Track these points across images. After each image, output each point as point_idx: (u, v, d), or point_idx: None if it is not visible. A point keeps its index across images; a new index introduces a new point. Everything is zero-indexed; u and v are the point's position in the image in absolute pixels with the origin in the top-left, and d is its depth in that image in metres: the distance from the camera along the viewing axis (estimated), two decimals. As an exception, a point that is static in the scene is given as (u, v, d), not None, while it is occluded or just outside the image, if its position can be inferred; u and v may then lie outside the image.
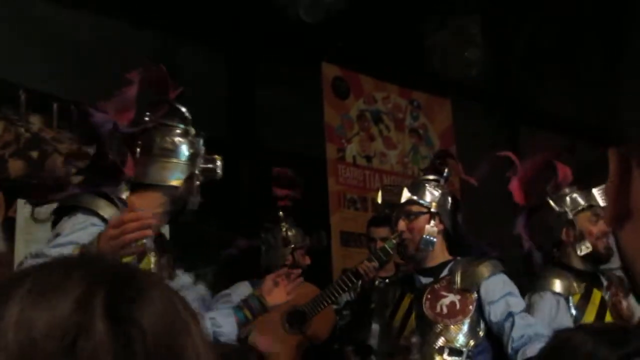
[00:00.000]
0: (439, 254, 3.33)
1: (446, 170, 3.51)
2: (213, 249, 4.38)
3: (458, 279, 3.21)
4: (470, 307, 3.17)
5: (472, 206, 6.50)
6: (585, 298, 3.43)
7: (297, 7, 5.42)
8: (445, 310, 3.18)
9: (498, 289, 3.20)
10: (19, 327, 0.73)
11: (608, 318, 3.36)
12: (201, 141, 2.73)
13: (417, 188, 3.34)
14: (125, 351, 0.73)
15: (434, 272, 3.30)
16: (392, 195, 3.34)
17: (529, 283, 3.55)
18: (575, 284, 3.44)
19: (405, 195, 3.30)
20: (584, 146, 4.80)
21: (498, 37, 7.00)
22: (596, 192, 3.55)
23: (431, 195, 3.32)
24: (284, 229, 4.13)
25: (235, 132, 5.55)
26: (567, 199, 3.56)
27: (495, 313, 3.15)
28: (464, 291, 3.20)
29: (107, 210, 2.49)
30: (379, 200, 3.41)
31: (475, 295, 3.19)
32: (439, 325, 3.17)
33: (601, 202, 3.51)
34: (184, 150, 2.65)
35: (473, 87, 6.91)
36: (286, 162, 5.21)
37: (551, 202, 3.57)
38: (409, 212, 3.29)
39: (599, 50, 7.71)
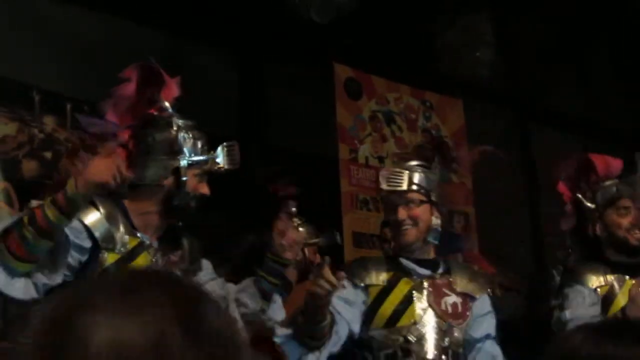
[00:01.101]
0: (431, 249, 3.14)
1: (434, 157, 3.28)
2: (225, 247, 4.39)
3: (458, 282, 3.08)
4: (468, 313, 3.06)
5: (484, 203, 6.50)
6: (613, 288, 3.39)
7: (308, 8, 5.43)
8: (450, 309, 3.02)
9: (486, 306, 3.14)
10: (108, 332, 0.80)
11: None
12: (189, 134, 2.64)
13: (415, 174, 3.11)
14: (198, 352, 0.81)
15: (431, 265, 3.11)
16: (394, 181, 3.09)
17: (563, 277, 3.53)
18: (608, 277, 3.42)
19: (407, 181, 3.08)
20: (595, 145, 4.78)
21: (509, 37, 6.99)
22: (623, 184, 3.53)
23: (429, 182, 3.12)
24: (295, 225, 4.13)
25: (246, 133, 5.56)
26: (599, 193, 3.55)
27: (476, 328, 3.07)
28: (463, 295, 3.07)
29: (87, 214, 2.48)
30: (385, 186, 3.11)
31: (469, 300, 3.08)
32: (445, 323, 3.00)
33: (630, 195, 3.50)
34: (163, 146, 2.59)
35: (484, 86, 6.91)
36: (298, 162, 5.24)
37: (582, 199, 3.56)
38: (410, 199, 3.05)
39: (610, 48, 7.69)
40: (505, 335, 3.20)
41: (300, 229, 4.14)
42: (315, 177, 5.36)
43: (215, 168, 2.70)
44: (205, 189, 2.66)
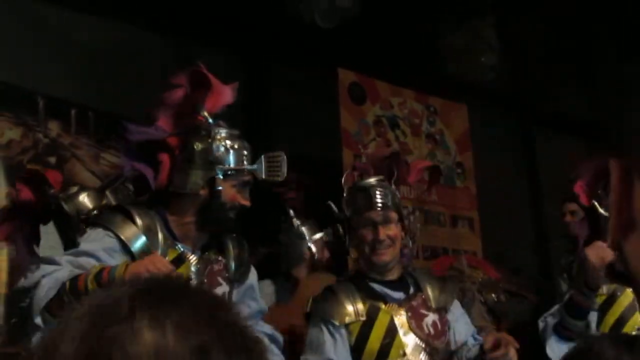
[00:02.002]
0: (398, 264, 3.11)
1: (394, 172, 3.19)
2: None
3: (432, 298, 3.03)
4: (446, 327, 3.03)
5: (488, 208, 6.49)
6: (611, 299, 3.39)
7: (313, 12, 5.43)
8: (432, 330, 2.97)
9: (458, 310, 3.16)
10: (151, 338, 0.80)
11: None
12: (231, 144, 2.65)
13: (387, 192, 3.05)
14: (232, 348, 0.82)
15: (402, 285, 3.06)
16: (371, 200, 3.03)
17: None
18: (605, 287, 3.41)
19: (389, 201, 3.03)
20: (600, 149, 4.77)
21: (513, 41, 6.99)
22: None
23: (397, 200, 3.09)
24: (296, 225, 4.11)
25: (251, 138, 5.55)
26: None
27: (460, 332, 3.06)
28: (439, 310, 3.03)
29: (124, 227, 2.51)
30: (360, 204, 3.05)
31: (444, 313, 3.06)
32: (429, 347, 2.95)
33: None
34: (202, 155, 2.59)
35: (489, 91, 6.91)
36: (302, 167, 5.23)
37: (597, 206, 3.53)
38: (387, 218, 3.02)
39: (615, 52, 7.68)
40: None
41: (302, 227, 4.14)
42: (319, 182, 5.36)
43: (258, 178, 2.71)
44: (244, 200, 2.64)
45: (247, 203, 2.64)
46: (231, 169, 2.63)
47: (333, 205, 3.28)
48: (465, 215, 6.44)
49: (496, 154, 6.90)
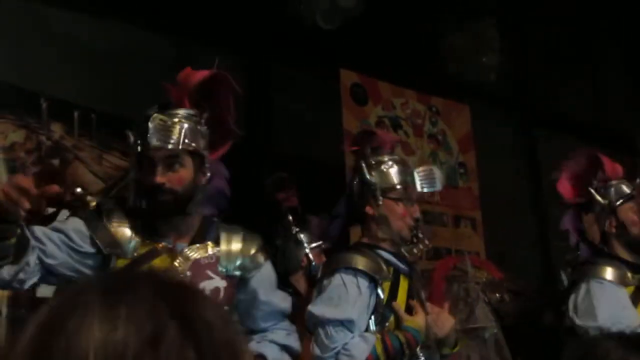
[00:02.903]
0: None
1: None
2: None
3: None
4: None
5: (491, 210, 6.49)
6: (639, 291, 3.33)
7: (314, 13, 5.44)
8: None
9: None
10: (100, 333, 0.79)
11: None
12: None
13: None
14: (198, 348, 0.80)
15: (404, 261, 3.13)
16: (427, 181, 3.23)
17: (575, 272, 3.48)
18: (629, 275, 3.36)
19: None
20: (603, 151, 4.77)
21: (516, 41, 7.00)
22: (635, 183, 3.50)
23: None
24: (294, 231, 4.12)
25: (253, 139, 5.57)
26: (612, 190, 3.50)
27: None
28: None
29: (97, 226, 2.57)
30: (420, 188, 3.21)
31: None
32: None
33: None
34: None
35: (491, 92, 6.91)
36: (304, 168, 5.23)
37: (594, 194, 3.50)
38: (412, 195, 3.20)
39: (618, 53, 7.68)
40: (514, 340, 3.18)
41: (300, 234, 4.15)
42: (321, 183, 5.35)
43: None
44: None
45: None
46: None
47: None
48: (468, 216, 6.44)
49: (498, 154, 6.89)
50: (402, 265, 3.07)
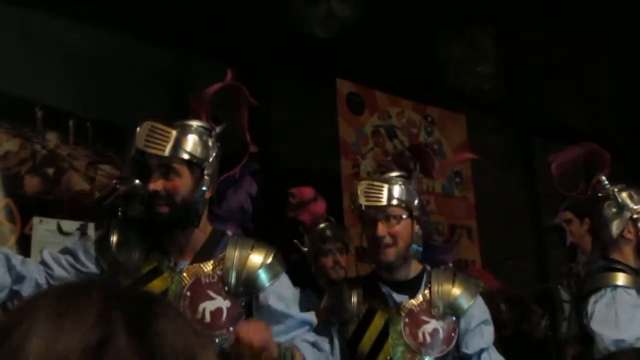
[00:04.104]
0: (414, 265, 2.96)
1: (415, 165, 3.09)
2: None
3: (440, 303, 2.88)
4: (453, 334, 2.88)
5: (487, 217, 6.49)
6: None
7: (311, 22, 5.44)
8: (428, 339, 2.85)
9: (476, 316, 2.93)
10: (43, 341, 0.76)
11: None
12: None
13: (395, 187, 2.90)
14: (145, 357, 0.76)
15: (410, 288, 2.94)
16: (373, 196, 2.87)
17: (588, 280, 3.40)
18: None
19: (387, 195, 2.87)
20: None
21: (512, 51, 7.00)
22: None
23: (409, 195, 2.92)
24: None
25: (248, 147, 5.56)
26: (631, 193, 3.43)
27: (467, 344, 2.89)
28: (445, 315, 2.88)
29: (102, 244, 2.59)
30: (364, 202, 2.86)
31: (454, 320, 2.89)
32: (421, 356, 2.83)
33: None
34: None
35: (487, 101, 6.91)
36: (300, 177, 5.22)
37: (617, 196, 3.40)
38: (390, 214, 2.86)
39: (613, 62, 7.70)
40: (510, 350, 3.13)
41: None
42: (317, 192, 5.34)
43: None
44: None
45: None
46: None
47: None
48: (464, 225, 6.44)
49: (494, 164, 6.90)
50: (397, 297, 2.98)
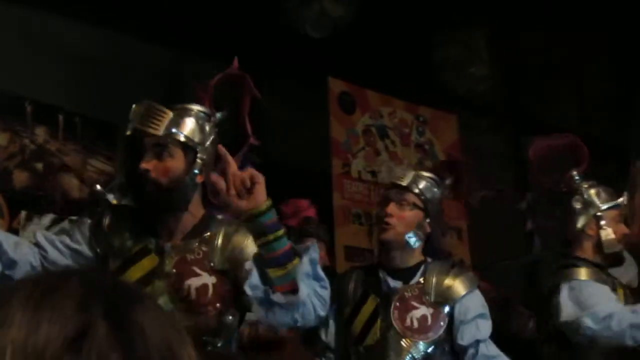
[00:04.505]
0: (414, 255, 3.05)
1: (449, 179, 3.22)
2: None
3: (432, 291, 2.96)
4: (442, 323, 2.94)
5: (477, 221, 6.49)
6: (613, 291, 3.28)
7: (304, 22, 5.43)
8: (415, 324, 2.93)
9: (472, 309, 2.98)
10: (21, 331, 0.74)
11: None
12: None
13: (421, 180, 3.06)
14: (126, 351, 0.75)
15: (406, 275, 3.03)
16: (397, 175, 3.08)
17: (551, 278, 3.42)
18: (604, 276, 3.32)
19: (410, 181, 3.03)
20: (592, 162, 4.78)
21: (505, 53, 7.00)
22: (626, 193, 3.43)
23: (432, 193, 3.06)
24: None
25: (240, 145, 5.54)
26: (596, 191, 3.44)
27: (462, 335, 2.94)
28: (436, 304, 2.95)
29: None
30: (386, 178, 3.15)
31: (447, 310, 2.96)
32: (407, 340, 2.92)
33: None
34: None
35: (480, 102, 6.91)
36: (291, 176, 5.22)
37: (583, 191, 3.42)
38: (404, 199, 3.00)
39: (608, 63, 7.71)
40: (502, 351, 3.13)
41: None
42: (307, 191, 5.34)
43: None
44: None
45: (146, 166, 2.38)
46: None
47: None
48: (454, 225, 6.43)
49: (486, 164, 6.89)
50: (391, 282, 3.06)
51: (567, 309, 3.22)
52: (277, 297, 2.22)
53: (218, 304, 2.40)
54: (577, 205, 3.42)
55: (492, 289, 5.00)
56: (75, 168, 4.63)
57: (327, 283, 2.37)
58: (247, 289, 2.26)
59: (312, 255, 2.29)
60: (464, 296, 2.98)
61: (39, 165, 4.50)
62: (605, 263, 3.37)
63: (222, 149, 2.36)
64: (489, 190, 3.60)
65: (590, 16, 6.83)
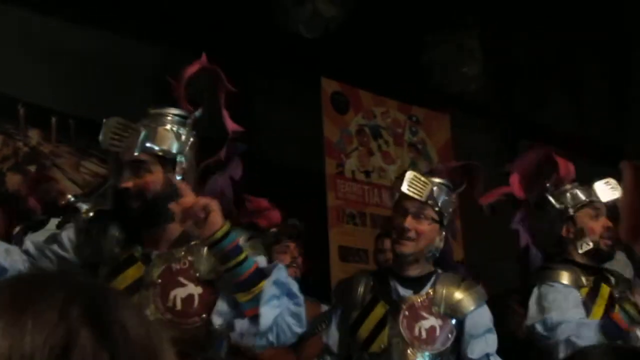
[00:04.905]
0: (426, 266, 3.04)
1: (463, 182, 3.21)
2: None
3: (442, 303, 2.95)
4: (450, 335, 2.93)
5: (471, 220, 6.50)
6: (594, 292, 3.29)
7: (296, 22, 5.43)
8: (424, 334, 2.91)
9: (482, 323, 2.98)
10: (5, 341, 0.73)
11: (616, 314, 3.25)
12: None
13: (439, 192, 3.01)
14: (113, 352, 0.75)
15: (416, 284, 3.01)
16: (415, 187, 2.95)
17: (530, 277, 3.45)
18: (583, 278, 3.33)
19: (428, 194, 2.95)
20: (584, 162, 4.79)
21: (497, 52, 7.01)
22: (597, 187, 3.46)
23: (447, 205, 3.03)
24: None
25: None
26: (568, 194, 3.44)
27: (473, 349, 2.93)
28: (445, 316, 2.94)
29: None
30: (405, 190, 2.92)
31: (454, 322, 2.95)
32: (413, 350, 2.90)
33: (602, 198, 3.42)
34: None
35: (472, 102, 6.92)
36: (285, 176, 5.22)
37: (551, 198, 3.45)
38: (422, 213, 2.95)
39: (600, 64, 7.73)
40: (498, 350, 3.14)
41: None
42: (301, 191, 5.34)
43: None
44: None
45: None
46: None
47: None
48: (448, 225, 6.45)
49: (479, 164, 6.91)
50: (401, 290, 3.05)
51: (530, 312, 3.28)
52: (241, 325, 2.25)
53: (204, 314, 2.36)
54: (552, 213, 3.46)
55: (487, 288, 5.01)
56: (68, 170, 4.62)
57: (301, 300, 2.35)
58: (214, 319, 2.30)
59: (278, 276, 2.27)
60: (473, 311, 2.98)
61: (32, 168, 4.49)
62: (593, 262, 3.39)
63: (178, 182, 2.35)
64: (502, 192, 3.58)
65: (584, 16, 6.85)
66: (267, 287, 2.23)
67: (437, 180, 3.05)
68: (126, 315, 0.79)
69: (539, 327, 3.18)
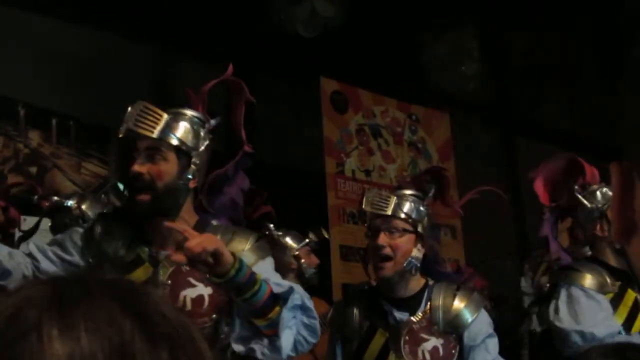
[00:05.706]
0: (415, 281, 2.97)
1: (432, 189, 3.13)
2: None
3: (440, 320, 2.91)
4: (454, 351, 2.90)
5: (471, 219, 6.51)
6: (618, 298, 3.25)
7: (295, 22, 5.44)
8: (428, 356, 2.87)
9: (481, 332, 2.94)
10: (64, 341, 0.73)
11: (639, 322, 3.25)
12: None
13: (405, 202, 2.95)
14: (163, 344, 0.76)
15: (411, 304, 2.95)
16: (378, 204, 2.93)
17: (553, 276, 3.43)
18: (609, 282, 3.32)
19: (393, 207, 2.92)
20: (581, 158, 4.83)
21: (496, 51, 7.03)
22: None
23: (418, 213, 2.96)
24: (277, 237, 4.08)
25: (233, 146, 5.54)
26: (598, 193, 3.44)
27: (474, 359, 2.92)
28: (445, 334, 2.90)
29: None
30: (368, 209, 2.93)
31: (454, 336, 2.91)
32: None
33: None
34: None
35: (471, 100, 6.93)
36: (285, 176, 5.23)
37: (582, 198, 3.45)
38: (393, 227, 2.91)
39: (597, 63, 7.74)
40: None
41: (286, 238, 4.13)
42: (302, 191, 5.35)
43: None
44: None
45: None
46: None
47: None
48: (448, 224, 6.45)
49: (478, 162, 6.92)
50: (397, 314, 3.01)
51: (563, 315, 3.20)
52: (262, 349, 2.27)
53: (214, 315, 2.37)
54: (583, 214, 3.45)
55: (486, 286, 5.02)
56: (69, 171, 4.63)
57: (314, 312, 2.36)
58: (235, 346, 2.30)
59: (294, 302, 2.28)
60: (471, 322, 2.93)
61: (33, 169, 4.50)
62: (623, 264, 3.37)
63: (181, 227, 2.30)
64: (477, 191, 3.57)
65: (580, 16, 6.86)
66: (285, 314, 2.25)
67: (401, 192, 3.02)
68: (161, 306, 0.79)
69: (575, 337, 3.12)
